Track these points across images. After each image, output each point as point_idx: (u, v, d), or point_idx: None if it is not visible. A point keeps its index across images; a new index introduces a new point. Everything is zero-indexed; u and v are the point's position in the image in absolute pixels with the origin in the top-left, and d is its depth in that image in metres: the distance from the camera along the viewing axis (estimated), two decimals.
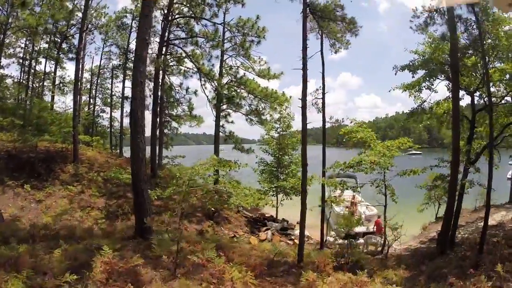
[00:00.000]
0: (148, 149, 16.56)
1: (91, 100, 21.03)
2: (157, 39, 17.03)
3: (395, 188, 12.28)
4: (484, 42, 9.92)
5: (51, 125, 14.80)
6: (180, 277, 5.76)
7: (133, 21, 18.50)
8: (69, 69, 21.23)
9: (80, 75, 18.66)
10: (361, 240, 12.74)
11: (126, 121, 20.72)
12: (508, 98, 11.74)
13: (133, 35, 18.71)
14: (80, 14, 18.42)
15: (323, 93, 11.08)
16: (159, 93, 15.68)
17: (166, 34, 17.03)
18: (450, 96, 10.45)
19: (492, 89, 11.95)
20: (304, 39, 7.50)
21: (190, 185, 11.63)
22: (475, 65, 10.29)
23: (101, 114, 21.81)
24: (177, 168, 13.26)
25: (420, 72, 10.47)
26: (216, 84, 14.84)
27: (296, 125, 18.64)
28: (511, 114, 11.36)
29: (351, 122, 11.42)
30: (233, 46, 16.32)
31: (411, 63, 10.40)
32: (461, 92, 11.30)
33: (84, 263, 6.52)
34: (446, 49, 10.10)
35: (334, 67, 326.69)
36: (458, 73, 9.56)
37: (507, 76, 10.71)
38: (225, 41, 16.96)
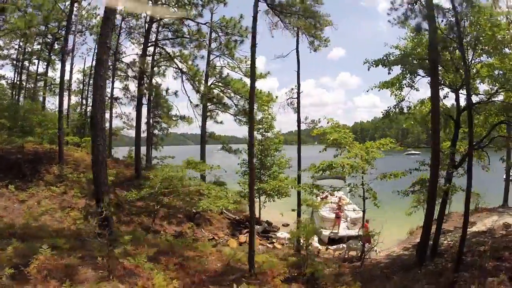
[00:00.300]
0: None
1: (83, 101, 21.31)
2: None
3: (383, 190, 11.66)
4: (467, 33, 9.21)
5: (37, 126, 14.98)
6: (114, 279, 5.60)
7: (122, 22, 18.56)
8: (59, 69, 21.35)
9: (69, 76, 19.00)
10: (342, 245, 12.25)
11: (115, 122, 20.80)
12: (501, 96, 10.94)
13: (122, 36, 18.81)
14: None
15: (298, 93, 10.68)
16: (143, 94, 15.58)
17: (155, 35, 17.04)
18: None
19: (483, 87, 11.21)
20: (254, 35, 7.14)
21: (163, 187, 11.65)
22: (459, 60, 9.54)
23: None
24: (158, 169, 13.08)
25: (397, 68, 9.79)
26: (197, 84, 14.63)
27: (277, 125, 18.09)
28: (502, 113, 10.53)
29: (328, 123, 10.84)
30: (218, 46, 16.09)
31: (385, 58, 9.59)
32: (446, 90, 10.65)
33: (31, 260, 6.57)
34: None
35: (333, 67, 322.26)
36: (437, 68, 8.93)
37: (496, 72, 9.92)
38: (211, 41, 16.83)
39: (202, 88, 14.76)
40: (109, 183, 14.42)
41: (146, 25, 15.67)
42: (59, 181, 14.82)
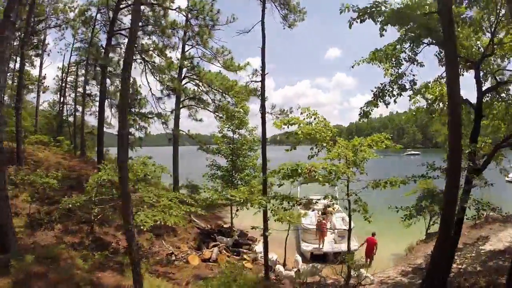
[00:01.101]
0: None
1: (62, 98, 18.57)
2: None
3: (379, 195, 8.25)
4: None
5: None
6: None
7: (98, 14, 15.68)
8: (37, 66, 18.60)
9: (39, 72, 16.25)
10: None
11: (90, 119, 17.88)
12: None
13: (97, 28, 15.86)
14: (47, 10, 16.15)
15: (263, 75, 7.40)
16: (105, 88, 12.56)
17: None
18: (444, 68, 6.18)
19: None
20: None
21: (96, 193, 8.70)
22: (479, 19, 6.09)
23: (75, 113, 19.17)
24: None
25: (392, 33, 6.42)
26: (161, 74, 11.51)
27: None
28: None
29: (301, 113, 7.46)
30: (190, 35, 13.00)
31: (374, 7, 5.58)
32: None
33: None
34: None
35: (330, 67, 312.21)
36: (452, 21, 5.43)
37: None
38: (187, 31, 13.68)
39: (166, 78, 11.66)
40: (58, 187, 11.71)
41: (111, 12, 12.64)
42: (11, 183, 12.03)
